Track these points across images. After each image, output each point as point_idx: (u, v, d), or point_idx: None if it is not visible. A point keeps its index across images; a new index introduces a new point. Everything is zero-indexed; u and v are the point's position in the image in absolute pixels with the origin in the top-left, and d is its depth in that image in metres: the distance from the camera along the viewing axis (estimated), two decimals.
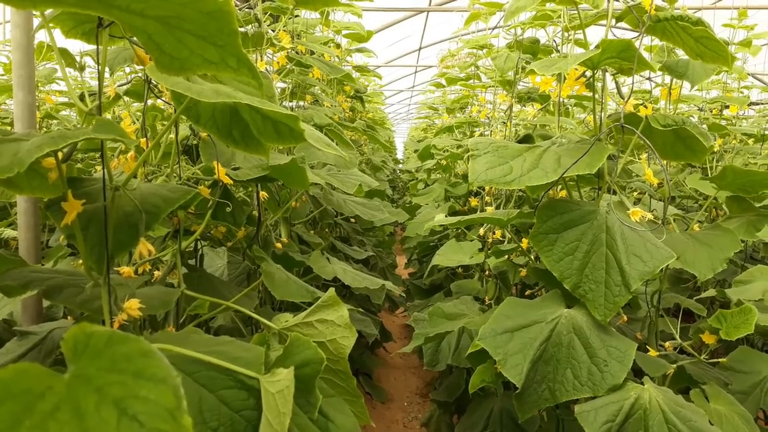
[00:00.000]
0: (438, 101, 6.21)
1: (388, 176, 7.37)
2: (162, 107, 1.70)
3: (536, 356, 1.40)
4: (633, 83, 1.29)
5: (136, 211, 0.97)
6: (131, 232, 0.98)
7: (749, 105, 4.77)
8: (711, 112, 3.76)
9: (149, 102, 1.47)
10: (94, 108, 0.93)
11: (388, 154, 4.93)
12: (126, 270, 1.29)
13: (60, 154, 0.94)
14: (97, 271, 0.97)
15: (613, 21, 1.55)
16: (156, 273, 1.39)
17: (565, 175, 1.36)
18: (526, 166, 1.42)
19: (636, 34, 1.53)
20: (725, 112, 3.79)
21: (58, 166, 0.89)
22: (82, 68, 1.00)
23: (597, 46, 1.24)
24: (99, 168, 1.43)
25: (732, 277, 2.21)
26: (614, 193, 1.47)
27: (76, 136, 0.76)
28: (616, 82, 1.39)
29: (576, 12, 1.54)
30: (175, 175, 1.29)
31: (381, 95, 6.76)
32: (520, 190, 2.54)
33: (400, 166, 9.37)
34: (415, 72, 12.72)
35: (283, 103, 2.66)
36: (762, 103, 6.23)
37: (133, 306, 1.04)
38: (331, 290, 1.21)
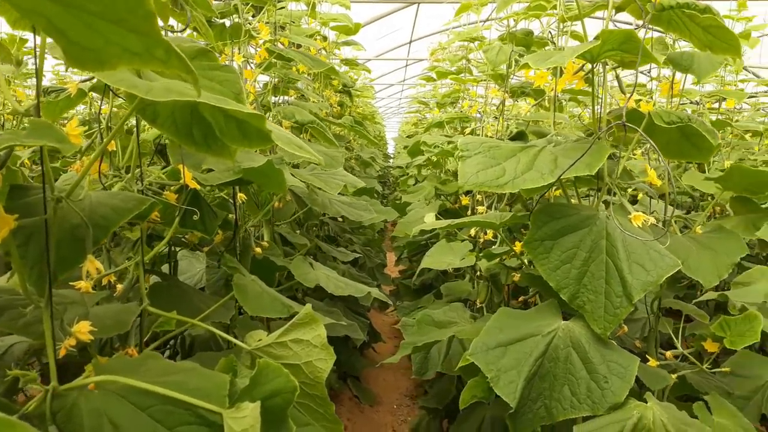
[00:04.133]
0: (428, 95, 6.10)
1: (378, 172, 7.24)
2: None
3: (532, 372, 1.30)
4: (636, 77, 1.18)
5: (83, 224, 0.86)
6: (77, 247, 0.87)
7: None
8: (704, 106, 3.67)
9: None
10: (31, 108, 0.82)
11: (377, 150, 4.82)
12: (83, 285, 1.17)
13: None
14: (37, 292, 0.86)
15: (613, 12, 1.44)
16: (118, 286, 1.28)
17: (562, 177, 1.26)
18: (520, 167, 1.32)
19: (637, 26, 1.43)
20: (721, 106, 3.71)
21: None
22: (18, 63, 0.89)
23: (596, 37, 1.14)
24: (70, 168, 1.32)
25: (731, 278, 2.11)
26: (614, 194, 1.37)
27: None
28: (617, 77, 1.28)
29: (573, 2, 1.44)
30: (137, 180, 1.17)
31: (371, 89, 6.63)
32: None
33: (391, 161, 9.25)
34: (406, 65, 12.58)
35: (270, 98, 2.53)
36: (755, 96, 6.17)
37: (82, 329, 0.93)
38: (308, 307, 1.11)
